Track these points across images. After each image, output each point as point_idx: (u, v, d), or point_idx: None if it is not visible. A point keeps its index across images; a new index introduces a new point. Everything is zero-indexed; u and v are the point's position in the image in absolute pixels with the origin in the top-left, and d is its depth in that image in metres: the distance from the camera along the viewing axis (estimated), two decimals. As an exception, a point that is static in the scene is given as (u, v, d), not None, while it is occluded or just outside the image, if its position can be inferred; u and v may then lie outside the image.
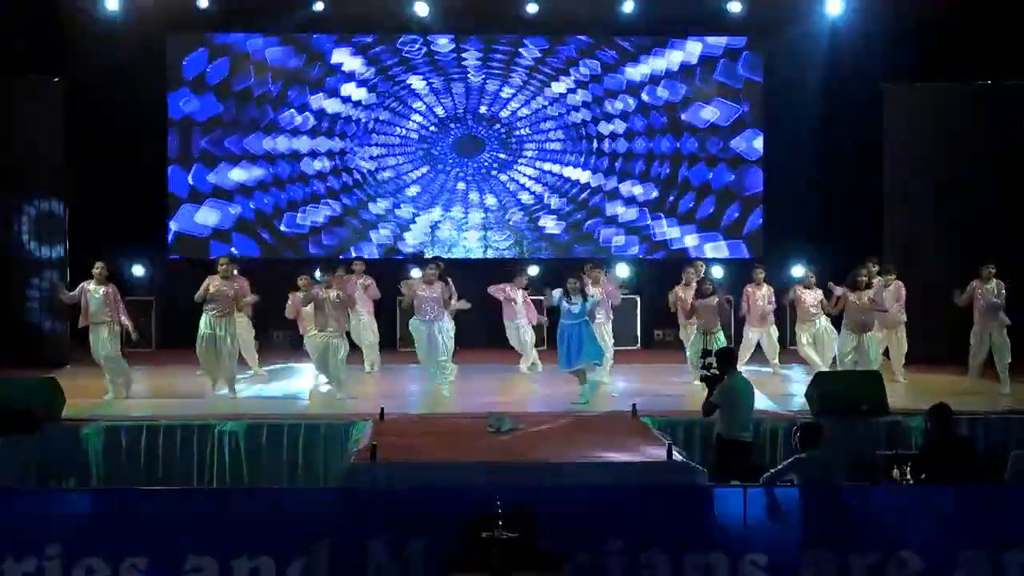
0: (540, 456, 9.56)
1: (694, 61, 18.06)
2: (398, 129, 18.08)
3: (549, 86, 18.11)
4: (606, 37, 17.96)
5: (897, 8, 15.88)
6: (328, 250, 17.73)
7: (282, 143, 17.85)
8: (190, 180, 17.71)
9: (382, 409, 11.10)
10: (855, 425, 11.02)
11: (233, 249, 17.09)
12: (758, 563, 7.30)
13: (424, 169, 18.15)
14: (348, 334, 13.25)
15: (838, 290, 13.34)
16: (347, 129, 17.94)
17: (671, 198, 18.17)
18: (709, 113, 18.09)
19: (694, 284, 13.46)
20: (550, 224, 18.23)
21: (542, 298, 13.54)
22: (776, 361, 14.29)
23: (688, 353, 13.45)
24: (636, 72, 18.08)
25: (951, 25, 15.45)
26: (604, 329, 13.55)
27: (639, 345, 17.38)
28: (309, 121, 17.88)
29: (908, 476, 8.59)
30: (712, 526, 7.42)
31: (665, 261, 17.69)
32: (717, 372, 10.00)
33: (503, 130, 18.16)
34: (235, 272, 13.06)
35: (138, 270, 17.44)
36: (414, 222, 18.11)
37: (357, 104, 17.93)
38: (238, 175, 17.79)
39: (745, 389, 9.87)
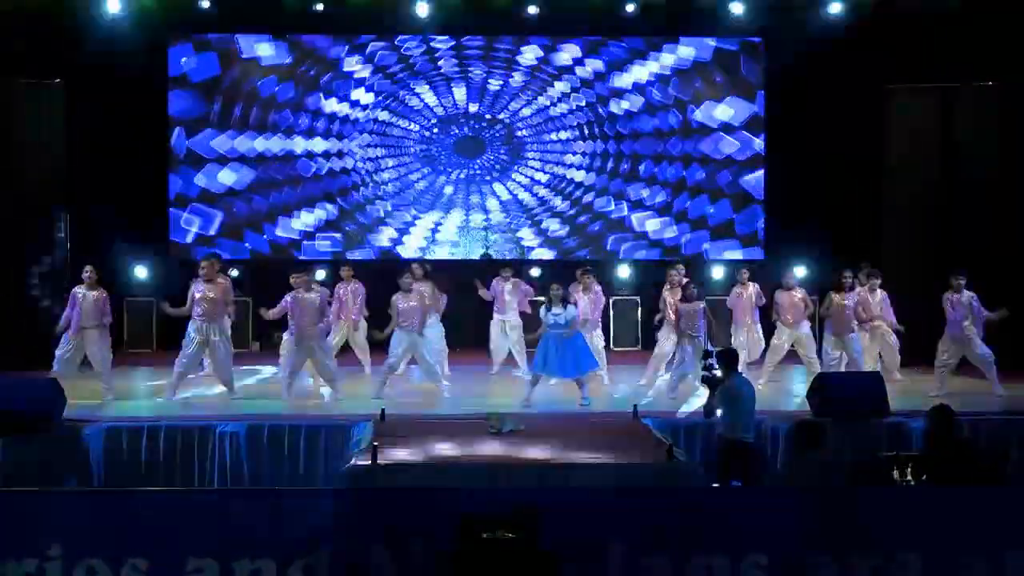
0: (541, 457, 9.57)
1: (695, 62, 18.08)
2: (397, 130, 18.08)
3: (551, 86, 18.13)
4: (607, 37, 17.97)
5: (898, 8, 15.88)
6: (329, 252, 17.74)
7: (282, 144, 17.87)
8: (190, 181, 17.72)
9: (383, 410, 11.11)
10: (856, 426, 11.02)
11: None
12: (759, 564, 7.29)
13: (425, 170, 18.16)
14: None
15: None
16: (345, 130, 17.95)
17: (671, 198, 18.18)
18: (710, 114, 18.11)
19: (679, 286, 13.44)
20: (553, 225, 18.24)
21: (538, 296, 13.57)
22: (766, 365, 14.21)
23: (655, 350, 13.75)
24: (636, 73, 18.11)
25: (951, 25, 15.45)
26: (593, 334, 13.55)
27: (639, 346, 17.38)
28: (310, 122, 17.89)
29: (909, 477, 8.58)
30: (713, 527, 7.40)
31: (665, 261, 17.67)
32: (718, 373, 10.00)
33: (504, 131, 18.16)
34: (219, 273, 12.93)
35: (139, 271, 17.44)
36: (414, 224, 18.11)
37: (355, 104, 17.95)
38: (238, 176, 17.80)
39: (746, 390, 9.86)
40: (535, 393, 12.36)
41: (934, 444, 8.76)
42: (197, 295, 12.52)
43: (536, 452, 9.71)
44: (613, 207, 18.20)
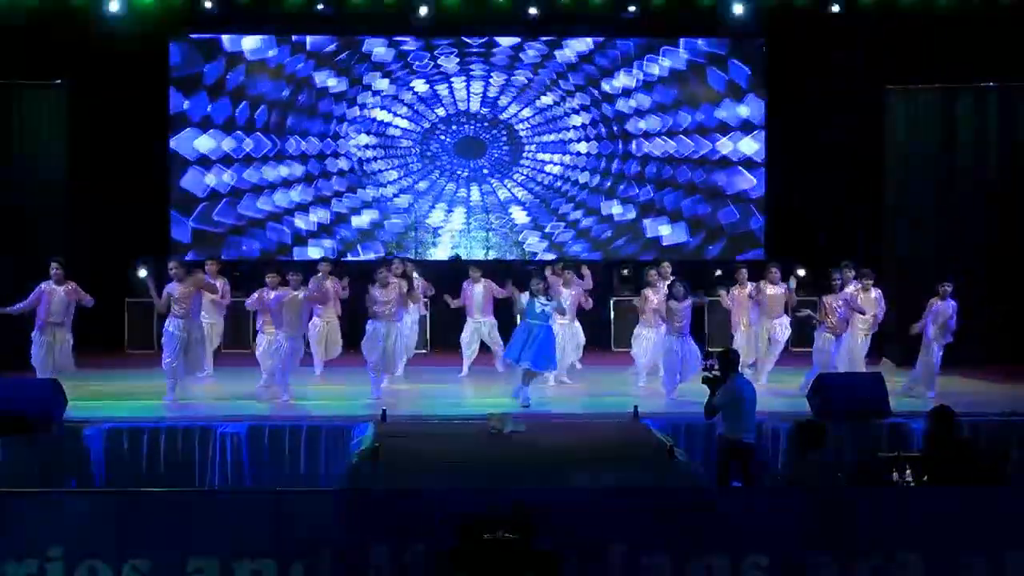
0: (541, 458, 9.57)
1: (695, 62, 18.08)
2: (397, 131, 18.08)
3: (552, 87, 18.12)
4: (608, 37, 17.97)
5: (899, 8, 15.89)
6: (332, 251, 17.75)
7: (283, 144, 17.87)
8: (191, 181, 17.72)
9: (384, 411, 11.12)
10: (856, 426, 11.02)
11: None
12: (759, 564, 7.29)
13: (425, 171, 18.15)
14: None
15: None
16: (342, 130, 17.94)
17: (670, 198, 18.18)
18: (710, 114, 18.10)
19: (660, 285, 13.42)
20: (553, 225, 18.25)
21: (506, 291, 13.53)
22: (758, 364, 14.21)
23: (633, 348, 13.88)
24: (637, 74, 18.10)
25: (951, 25, 15.46)
26: (570, 329, 13.74)
27: (640, 346, 17.35)
28: (310, 122, 17.89)
29: (909, 478, 8.59)
30: (714, 528, 7.40)
31: (664, 261, 17.66)
32: (719, 374, 9.99)
33: (504, 131, 18.16)
34: (187, 273, 12.75)
35: (140, 271, 17.39)
36: (414, 225, 18.11)
37: (355, 104, 17.94)
38: (239, 176, 17.80)
39: (747, 391, 9.86)
40: (533, 393, 12.35)
41: (934, 445, 8.76)
42: (176, 294, 12.39)
43: (537, 453, 9.72)
44: (612, 208, 18.19)
